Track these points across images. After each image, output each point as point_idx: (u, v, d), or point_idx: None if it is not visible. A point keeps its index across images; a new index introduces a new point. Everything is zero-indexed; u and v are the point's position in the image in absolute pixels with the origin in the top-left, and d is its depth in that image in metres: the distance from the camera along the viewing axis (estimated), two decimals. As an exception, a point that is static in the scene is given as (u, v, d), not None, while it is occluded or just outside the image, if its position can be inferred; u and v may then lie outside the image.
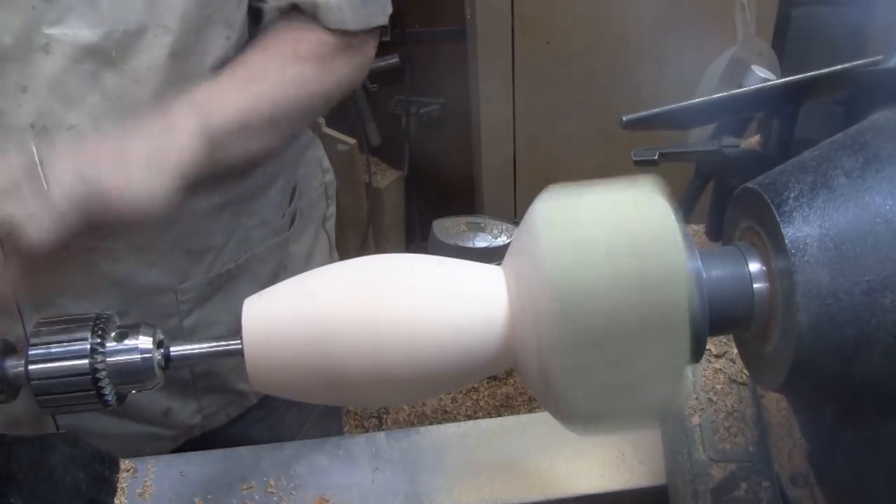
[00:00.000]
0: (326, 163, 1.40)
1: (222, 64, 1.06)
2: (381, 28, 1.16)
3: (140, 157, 0.87)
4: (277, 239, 1.26)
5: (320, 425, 1.44)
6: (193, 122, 0.93)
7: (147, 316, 1.07)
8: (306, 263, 1.32)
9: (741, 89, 0.91)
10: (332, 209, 1.42)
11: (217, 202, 1.13)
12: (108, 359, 0.75)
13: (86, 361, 0.74)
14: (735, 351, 0.97)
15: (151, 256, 1.07)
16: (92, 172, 0.84)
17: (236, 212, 1.16)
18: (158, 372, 0.76)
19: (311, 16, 1.09)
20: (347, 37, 1.11)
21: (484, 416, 2.75)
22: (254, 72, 1.02)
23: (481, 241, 2.85)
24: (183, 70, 1.03)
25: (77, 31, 0.94)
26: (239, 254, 1.21)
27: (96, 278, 1.08)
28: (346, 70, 1.12)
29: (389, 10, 1.16)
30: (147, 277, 1.11)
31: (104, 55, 0.96)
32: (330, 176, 1.40)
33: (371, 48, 1.17)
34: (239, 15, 1.07)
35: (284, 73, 1.04)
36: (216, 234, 1.17)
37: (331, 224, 1.42)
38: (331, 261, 1.42)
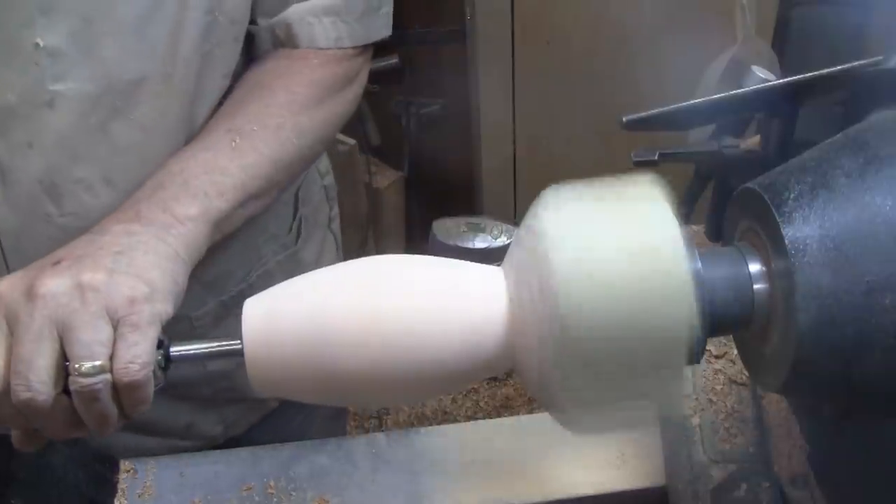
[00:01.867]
0: (324, 165, 1.38)
1: (221, 100, 1.05)
2: (372, 48, 1.14)
3: (154, 263, 0.83)
4: (287, 252, 1.26)
5: (325, 428, 1.44)
6: (196, 212, 0.90)
7: None
8: (316, 267, 1.30)
9: (741, 90, 0.91)
10: (336, 210, 1.41)
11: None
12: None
13: (87, 362, 0.74)
14: (735, 352, 0.97)
15: None
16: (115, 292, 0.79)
17: (246, 234, 1.14)
18: (159, 372, 0.76)
19: (306, 38, 1.07)
20: (343, 63, 1.09)
21: (484, 417, 2.75)
22: (250, 133, 0.98)
23: (481, 242, 2.84)
24: (189, 114, 1.02)
25: (81, 85, 0.93)
26: (251, 273, 1.21)
27: None
28: (340, 108, 1.11)
29: (390, 15, 1.14)
30: None
31: (110, 107, 0.95)
32: (329, 178, 1.39)
33: (364, 73, 1.15)
34: (236, 50, 1.05)
35: (282, 127, 1.01)
36: (229, 260, 1.16)
37: (336, 224, 1.42)
38: (338, 261, 1.39)
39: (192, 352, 0.76)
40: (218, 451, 1.13)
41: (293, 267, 1.26)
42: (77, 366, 0.74)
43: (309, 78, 1.05)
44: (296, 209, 1.28)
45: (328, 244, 1.39)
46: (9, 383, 0.74)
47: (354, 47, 1.10)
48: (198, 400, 1.24)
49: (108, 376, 0.74)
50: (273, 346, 0.70)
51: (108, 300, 0.77)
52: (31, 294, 0.76)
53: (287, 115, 1.02)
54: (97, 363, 0.74)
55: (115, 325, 0.77)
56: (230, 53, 1.04)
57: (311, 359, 0.69)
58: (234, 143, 0.96)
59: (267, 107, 1.01)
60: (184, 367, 0.78)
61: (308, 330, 0.69)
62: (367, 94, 3.31)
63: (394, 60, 3.15)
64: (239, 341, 0.71)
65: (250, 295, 1.16)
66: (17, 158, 0.93)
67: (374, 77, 3.28)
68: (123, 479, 1.07)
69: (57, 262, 0.80)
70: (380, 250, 3.19)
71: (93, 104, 0.94)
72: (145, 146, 0.98)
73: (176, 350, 0.76)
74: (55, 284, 0.77)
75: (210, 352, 0.75)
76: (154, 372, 0.76)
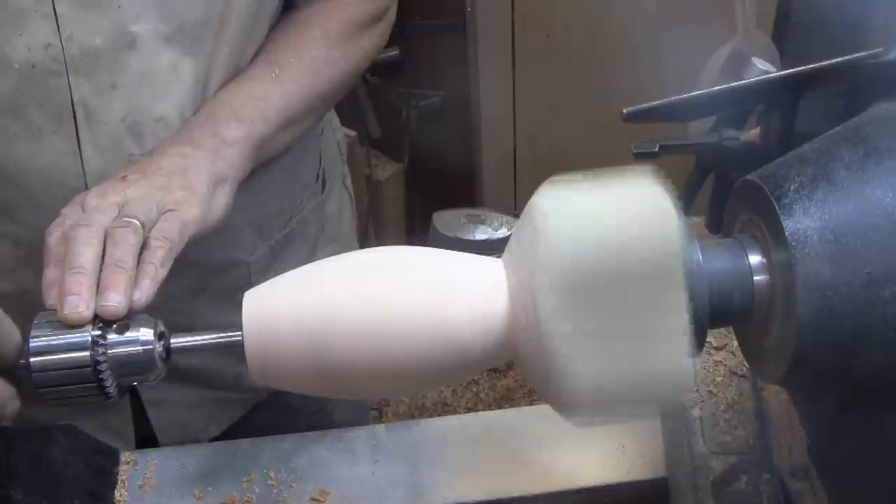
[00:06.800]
0: (336, 121, 1.46)
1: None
2: None
3: (204, 181, 0.94)
4: (316, 200, 1.33)
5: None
6: (242, 135, 1.01)
7: (222, 290, 1.18)
8: (339, 221, 1.40)
9: (741, 82, 0.91)
10: (346, 168, 1.48)
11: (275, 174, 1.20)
12: (109, 351, 0.75)
13: (87, 353, 0.74)
14: (735, 343, 0.97)
15: (227, 234, 1.14)
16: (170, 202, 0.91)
17: (286, 178, 1.23)
18: (160, 363, 0.76)
19: None
20: (372, 2, 1.17)
21: (484, 409, 2.75)
22: (288, 64, 1.08)
23: (481, 234, 2.85)
24: (241, 52, 1.09)
25: (157, 26, 0.99)
26: (291, 218, 1.27)
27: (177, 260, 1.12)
28: (371, 42, 1.19)
29: None
30: (223, 254, 1.18)
31: (181, 46, 1.01)
32: (340, 133, 1.47)
33: (392, 10, 1.24)
34: None
35: (317, 59, 1.11)
36: (273, 203, 1.23)
37: (349, 182, 1.48)
38: (354, 217, 1.50)
39: (192, 343, 0.76)
40: (219, 443, 1.13)
41: (321, 217, 1.35)
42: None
43: (341, 16, 1.14)
44: (319, 160, 1.34)
45: (345, 201, 1.45)
46: None
47: None
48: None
49: (140, 230, 0.84)
50: (273, 337, 0.70)
51: (160, 202, 0.89)
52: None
53: (322, 48, 1.12)
54: (133, 221, 0.84)
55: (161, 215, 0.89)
56: None
57: (311, 350, 0.69)
58: (274, 74, 1.07)
59: (304, 41, 1.11)
60: (188, 356, 0.79)
61: (308, 321, 0.69)
62: (368, 86, 3.30)
63: (394, 53, 3.14)
64: (239, 333, 0.72)
65: (292, 241, 1.27)
66: (103, 100, 0.99)
67: (375, 69, 3.29)
68: (124, 471, 1.07)
69: (124, 178, 0.92)
70: (380, 242, 3.19)
71: (166, 43, 1.00)
72: (208, 83, 1.06)
73: (176, 342, 0.77)
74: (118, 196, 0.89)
75: (211, 343, 0.75)
76: (155, 363, 0.76)
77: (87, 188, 1.01)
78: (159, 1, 0.98)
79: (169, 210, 0.89)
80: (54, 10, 0.94)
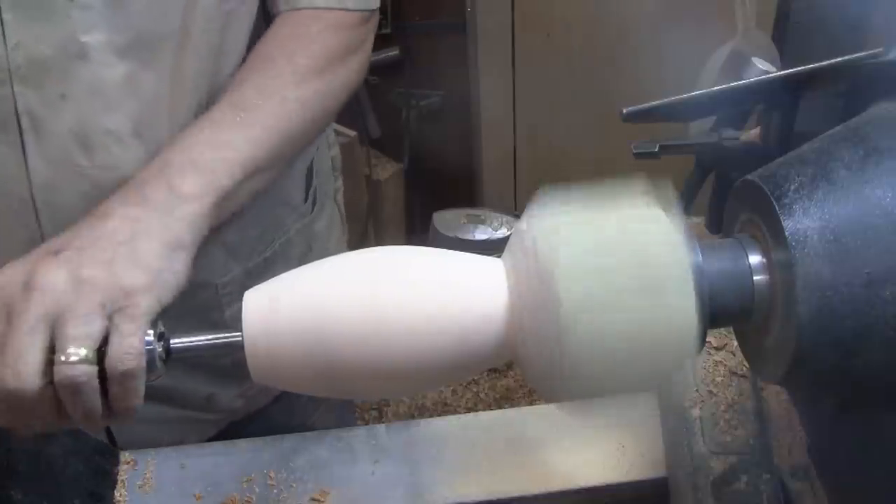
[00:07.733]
0: (332, 137, 1.41)
1: (244, 58, 1.07)
2: (379, 17, 1.16)
3: (158, 253, 0.84)
4: (304, 221, 1.28)
5: (335, 409, 1.46)
6: (201, 188, 0.91)
7: (190, 310, 1.08)
8: (327, 240, 1.35)
9: (741, 81, 0.91)
10: (340, 182, 1.44)
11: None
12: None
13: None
14: (735, 343, 0.97)
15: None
16: (112, 281, 0.80)
17: (269, 201, 1.17)
18: (160, 364, 0.76)
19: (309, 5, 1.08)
20: (344, 32, 1.10)
21: (484, 409, 2.74)
22: (254, 106, 0.99)
23: (481, 234, 2.85)
24: (212, 70, 1.05)
25: (110, 37, 0.96)
26: (273, 241, 1.23)
27: None
28: (344, 78, 1.10)
29: None
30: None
31: (137, 59, 0.98)
32: (335, 150, 1.42)
33: (368, 43, 1.16)
34: (256, 4, 1.09)
35: (285, 101, 1.01)
36: (251, 226, 1.18)
37: (340, 196, 1.44)
38: (344, 232, 1.45)
39: (192, 344, 0.76)
40: (218, 443, 1.13)
41: (309, 236, 1.30)
42: (63, 357, 0.74)
43: (310, 48, 1.06)
44: (310, 180, 1.30)
45: (335, 216, 1.41)
46: None
47: (355, 12, 1.11)
48: (218, 370, 1.24)
49: (92, 368, 0.75)
50: (273, 337, 0.70)
51: (106, 293, 0.77)
52: (28, 286, 0.77)
53: (290, 86, 1.02)
54: (81, 354, 0.74)
55: (111, 315, 0.77)
56: (253, 10, 1.08)
57: (311, 350, 0.69)
58: (239, 118, 0.97)
59: (270, 79, 1.02)
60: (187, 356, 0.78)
61: (308, 321, 0.69)
62: (368, 86, 3.30)
63: (394, 53, 3.15)
64: (239, 333, 0.71)
65: (273, 262, 1.23)
66: (50, 110, 0.96)
67: (374, 69, 3.29)
68: (124, 471, 1.07)
69: (58, 252, 0.80)
70: (380, 242, 3.18)
71: (121, 55, 0.97)
72: (171, 100, 1.01)
73: (176, 342, 0.77)
74: (53, 277, 0.77)
75: (210, 344, 0.75)
76: (155, 363, 0.76)
77: (33, 199, 0.98)
78: (113, 12, 0.95)
79: (119, 310, 0.78)
80: (0, 18, 0.92)
